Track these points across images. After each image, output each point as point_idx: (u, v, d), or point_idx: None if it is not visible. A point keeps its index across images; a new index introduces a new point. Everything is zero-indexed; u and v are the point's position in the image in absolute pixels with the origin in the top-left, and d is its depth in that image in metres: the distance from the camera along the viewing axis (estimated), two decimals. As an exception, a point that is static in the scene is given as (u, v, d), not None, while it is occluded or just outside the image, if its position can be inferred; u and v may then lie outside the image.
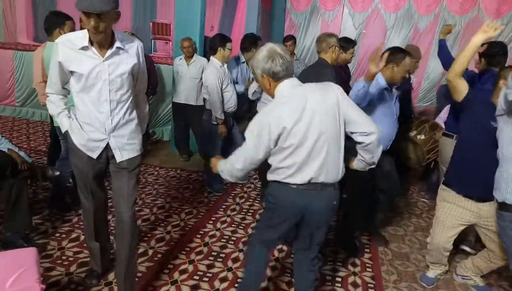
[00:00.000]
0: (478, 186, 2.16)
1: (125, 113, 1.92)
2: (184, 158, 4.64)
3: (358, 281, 2.52)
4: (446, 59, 3.21)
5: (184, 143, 4.68)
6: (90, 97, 1.85)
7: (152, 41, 6.41)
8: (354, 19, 8.79)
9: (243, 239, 2.92)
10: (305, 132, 1.63)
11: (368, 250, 2.90)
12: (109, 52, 1.81)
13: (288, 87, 1.69)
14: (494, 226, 2.13)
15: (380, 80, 2.45)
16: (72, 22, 2.90)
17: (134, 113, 1.99)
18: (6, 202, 2.43)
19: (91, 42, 1.78)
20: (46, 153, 3.90)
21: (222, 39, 3.45)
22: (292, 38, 5.33)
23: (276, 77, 1.68)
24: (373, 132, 1.71)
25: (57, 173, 2.79)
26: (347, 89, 3.69)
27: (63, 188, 3.14)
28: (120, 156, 1.96)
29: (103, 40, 1.77)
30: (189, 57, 4.25)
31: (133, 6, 7.33)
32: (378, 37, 8.74)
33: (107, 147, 1.95)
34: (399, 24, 8.52)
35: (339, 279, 2.52)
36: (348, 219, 2.83)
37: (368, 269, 2.66)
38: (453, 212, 2.30)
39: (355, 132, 1.73)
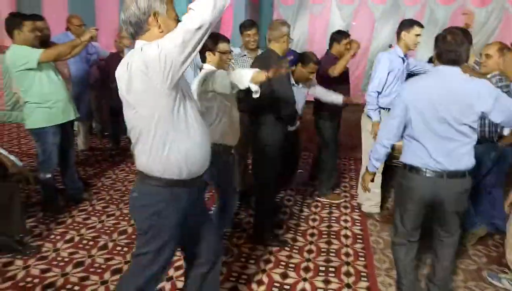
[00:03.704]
0: None
1: None
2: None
3: (351, 270, 2.57)
4: None
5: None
6: None
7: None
8: (342, 11, 8.83)
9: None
10: None
11: (360, 241, 2.95)
12: None
13: None
14: None
15: None
16: (31, 22, 2.85)
17: None
18: (-2, 206, 2.41)
19: None
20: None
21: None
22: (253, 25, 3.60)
23: None
24: None
25: (48, 176, 2.79)
26: (347, 86, 3.67)
27: (54, 190, 3.14)
28: None
29: None
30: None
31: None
32: (366, 29, 8.78)
33: None
34: (386, 16, 8.56)
35: (333, 269, 2.57)
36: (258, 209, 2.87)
37: (360, 258, 2.71)
38: None
39: None
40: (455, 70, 1.92)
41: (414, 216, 2.07)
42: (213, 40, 2.27)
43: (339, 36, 3.59)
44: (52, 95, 2.88)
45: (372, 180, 2.29)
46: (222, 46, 2.32)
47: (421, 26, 3.04)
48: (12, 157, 2.55)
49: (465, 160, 1.92)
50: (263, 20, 8.17)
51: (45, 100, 2.86)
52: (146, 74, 1.34)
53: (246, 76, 1.97)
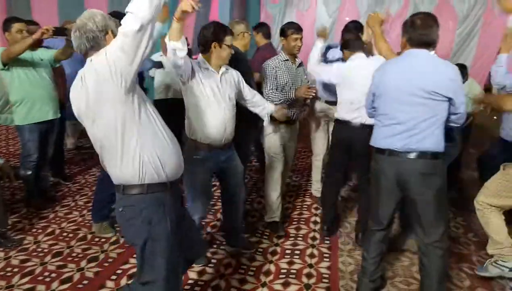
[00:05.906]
0: None
1: None
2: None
3: (315, 252, 2.71)
4: None
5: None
6: None
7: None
8: (328, 7, 8.96)
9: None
10: None
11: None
12: None
13: None
14: None
15: None
16: (20, 24, 2.96)
17: None
18: (-21, 201, 2.57)
19: None
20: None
21: None
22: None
23: None
24: None
25: (29, 172, 2.93)
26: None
27: (36, 186, 3.26)
28: None
29: None
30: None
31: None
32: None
33: None
34: (371, 10, 8.66)
35: (298, 252, 2.71)
36: None
37: (326, 242, 2.85)
38: None
39: None
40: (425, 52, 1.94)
41: None
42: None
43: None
44: (29, 94, 2.99)
45: None
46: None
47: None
48: (-8, 155, 2.69)
49: None
50: (251, 19, 8.26)
51: (22, 99, 2.98)
52: (98, 82, 1.37)
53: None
